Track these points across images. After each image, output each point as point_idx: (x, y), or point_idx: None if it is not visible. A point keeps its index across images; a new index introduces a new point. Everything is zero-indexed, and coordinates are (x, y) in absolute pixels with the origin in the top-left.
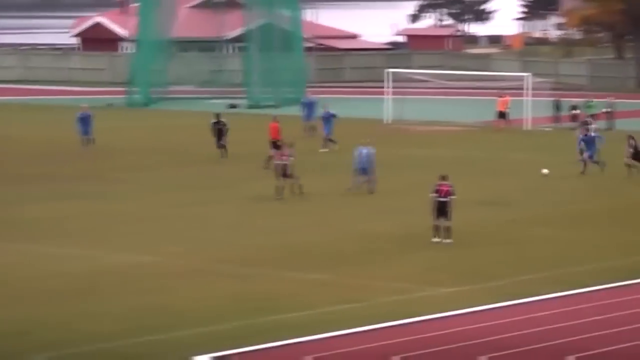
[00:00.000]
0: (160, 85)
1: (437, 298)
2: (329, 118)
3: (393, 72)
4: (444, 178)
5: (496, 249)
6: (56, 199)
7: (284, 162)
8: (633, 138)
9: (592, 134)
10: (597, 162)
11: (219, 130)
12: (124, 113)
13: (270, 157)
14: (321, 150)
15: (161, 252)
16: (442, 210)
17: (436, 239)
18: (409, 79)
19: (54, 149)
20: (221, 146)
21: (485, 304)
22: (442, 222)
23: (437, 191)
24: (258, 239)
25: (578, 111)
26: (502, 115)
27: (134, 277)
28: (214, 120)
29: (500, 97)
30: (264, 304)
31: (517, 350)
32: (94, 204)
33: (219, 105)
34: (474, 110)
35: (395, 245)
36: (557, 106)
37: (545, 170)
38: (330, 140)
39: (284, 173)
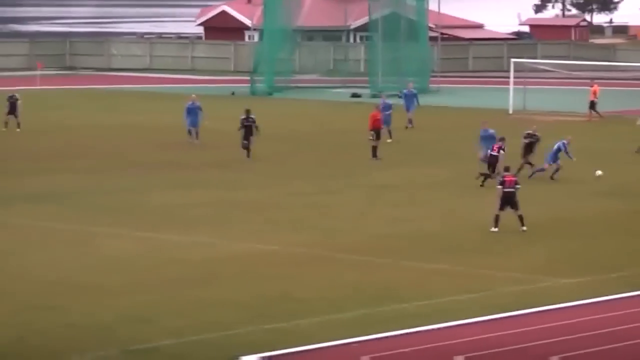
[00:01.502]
0: (284, 74)
1: (558, 289)
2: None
3: (517, 62)
4: (507, 170)
5: (620, 240)
6: (180, 187)
7: (495, 155)
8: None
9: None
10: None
11: (248, 128)
12: (247, 102)
13: (374, 148)
14: (388, 140)
15: (283, 241)
16: (510, 200)
17: (495, 229)
18: (533, 69)
19: (178, 137)
20: (245, 146)
21: (607, 295)
22: (512, 212)
23: (502, 182)
24: (379, 228)
25: None
26: (592, 105)
27: (256, 265)
28: (243, 116)
29: (591, 86)
30: (384, 293)
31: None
32: (216, 192)
33: (343, 94)
34: (599, 100)
35: (517, 235)
36: None
37: (599, 172)
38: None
39: (493, 167)
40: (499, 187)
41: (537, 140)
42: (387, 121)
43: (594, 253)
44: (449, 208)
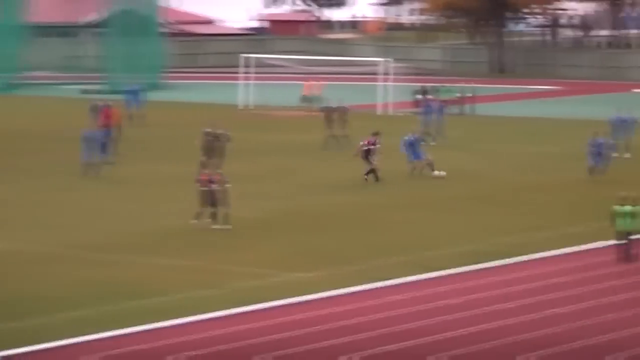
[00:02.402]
0: (15, 71)
1: (295, 283)
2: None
3: (251, 58)
4: (204, 166)
5: (357, 233)
6: None
7: (367, 148)
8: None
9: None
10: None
11: None
12: None
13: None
14: None
15: (19, 239)
16: (209, 198)
17: (215, 226)
18: (267, 64)
19: None
20: None
21: (342, 289)
22: (215, 210)
23: (200, 181)
24: (117, 224)
25: (421, 96)
26: (307, 100)
27: None
28: None
29: (306, 81)
30: (122, 289)
31: (373, 334)
32: None
33: (74, 90)
34: (332, 95)
35: (253, 231)
36: (425, 91)
37: (439, 173)
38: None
39: (366, 157)
40: (198, 184)
41: (218, 139)
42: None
43: (332, 247)
44: (186, 204)
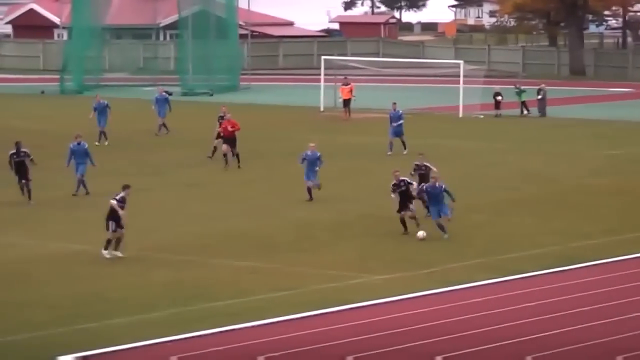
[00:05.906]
0: (93, 73)
1: (371, 285)
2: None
3: (327, 60)
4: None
5: (432, 236)
6: None
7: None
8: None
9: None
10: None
11: (19, 164)
12: (57, 100)
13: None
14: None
15: (94, 240)
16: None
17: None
18: (343, 66)
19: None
20: (24, 186)
21: (418, 291)
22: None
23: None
24: (192, 226)
25: (500, 97)
26: (346, 103)
27: (67, 265)
28: (12, 150)
29: (345, 84)
30: (197, 291)
31: (451, 337)
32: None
33: (154, 92)
34: (408, 97)
35: (329, 233)
36: (519, 93)
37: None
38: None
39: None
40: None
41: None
42: (399, 132)
43: (406, 249)
44: (260, 205)
